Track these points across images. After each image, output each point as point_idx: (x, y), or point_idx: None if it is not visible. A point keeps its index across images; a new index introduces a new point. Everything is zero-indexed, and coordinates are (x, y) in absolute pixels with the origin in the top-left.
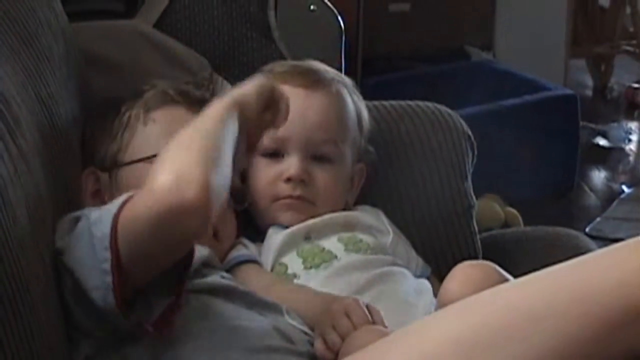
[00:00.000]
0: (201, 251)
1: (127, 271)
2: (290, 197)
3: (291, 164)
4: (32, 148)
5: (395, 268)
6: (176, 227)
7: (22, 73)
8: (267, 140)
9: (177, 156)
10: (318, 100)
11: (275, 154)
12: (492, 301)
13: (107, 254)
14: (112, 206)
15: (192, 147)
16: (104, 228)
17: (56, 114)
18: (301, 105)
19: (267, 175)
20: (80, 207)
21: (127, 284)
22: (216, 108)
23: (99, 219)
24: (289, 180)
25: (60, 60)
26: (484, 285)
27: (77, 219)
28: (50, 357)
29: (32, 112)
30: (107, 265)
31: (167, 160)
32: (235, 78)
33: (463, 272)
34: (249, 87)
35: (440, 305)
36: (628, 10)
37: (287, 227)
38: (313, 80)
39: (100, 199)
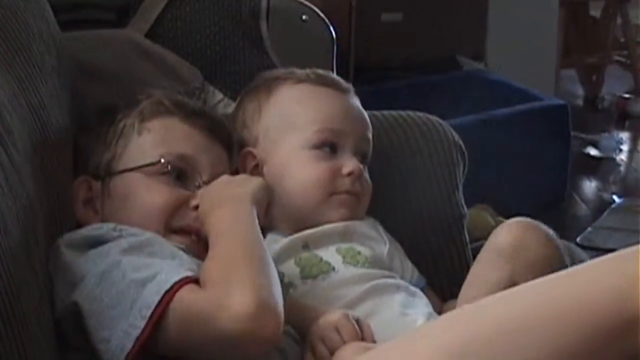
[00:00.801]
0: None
1: (148, 347)
2: (348, 192)
3: (348, 158)
4: (24, 157)
5: (391, 280)
6: (237, 351)
7: (14, 82)
8: (323, 133)
9: (250, 272)
10: (355, 102)
11: (325, 148)
12: (483, 311)
13: (141, 323)
14: (164, 272)
15: (256, 261)
16: (150, 297)
17: (48, 123)
18: (345, 105)
19: (322, 169)
20: (71, 217)
21: (140, 354)
22: (245, 211)
23: (147, 279)
24: (349, 174)
25: (52, 69)
26: (532, 235)
27: (98, 249)
28: None
29: (23, 121)
30: (134, 332)
31: (238, 271)
32: (227, 88)
33: (513, 223)
34: (257, 183)
35: (491, 248)
36: (619, 20)
37: (286, 235)
38: (344, 85)
39: (92, 207)
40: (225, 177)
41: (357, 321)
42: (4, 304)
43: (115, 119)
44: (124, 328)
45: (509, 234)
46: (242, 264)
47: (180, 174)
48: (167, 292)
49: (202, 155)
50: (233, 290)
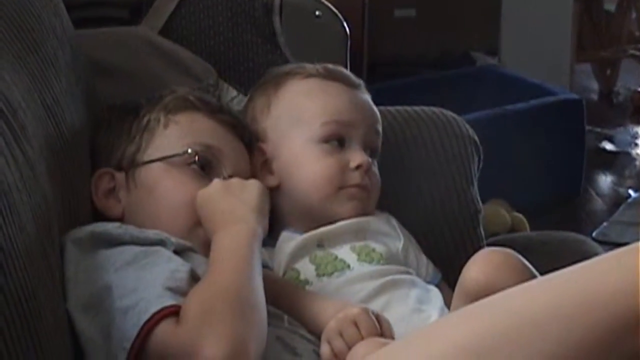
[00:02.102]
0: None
1: None
2: (357, 185)
3: (357, 152)
4: (38, 154)
5: (406, 276)
6: None
7: (28, 79)
8: (330, 125)
9: (228, 317)
10: (364, 97)
11: (333, 142)
12: (496, 306)
13: (122, 356)
14: (146, 299)
15: (240, 303)
16: (130, 329)
17: (62, 120)
18: (352, 98)
19: (331, 163)
20: (87, 214)
21: None
22: (247, 236)
23: (130, 307)
24: (358, 168)
25: (66, 66)
26: (504, 271)
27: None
28: None
29: (37, 118)
30: None
31: (216, 315)
32: (241, 84)
33: (485, 257)
34: (255, 191)
35: (461, 291)
36: (634, 14)
37: (300, 233)
38: (354, 80)
39: (114, 197)
40: (219, 183)
41: (377, 317)
42: (21, 301)
43: (138, 114)
44: (108, 354)
45: (481, 274)
46: (222, 305)
47: (205, 165)
48: (146, 323)
49: (227, 149)
50: (207, 335)
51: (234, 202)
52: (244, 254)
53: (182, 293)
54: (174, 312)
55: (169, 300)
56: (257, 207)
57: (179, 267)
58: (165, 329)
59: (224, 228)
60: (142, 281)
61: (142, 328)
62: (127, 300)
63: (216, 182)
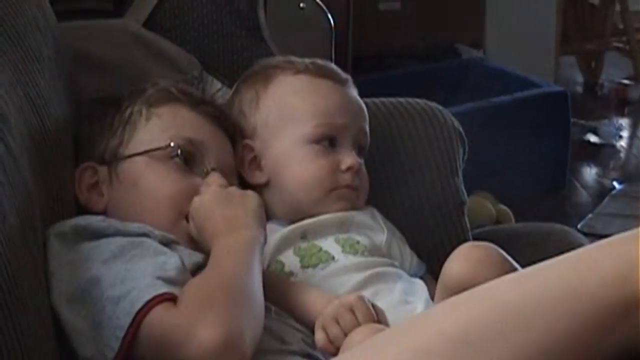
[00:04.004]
0: (195, 257)
1: None
2: (348, 187)
3: (348, 153)
4: (21, 146)
5: (391, 269)
6: None
7: (11, 72)
8: (322, 127)
9: (225, 304)
10: (353, 94)
11: (324, 143)
12: (482, 297)
13: (116, 345)
14: (138, 288)
15: (238, 294)
16: (123, 317)
17: (45, 113)
18: (344, 98)
19: (322, 165)
20: (70, 206)
21: None
22: (251, 241)
23: (122, 296)
24: (348, 169)
25: (49, 59)
26: (485, 266)
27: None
28: (39, 352)
29: (20, 110)
30: (110, 355)
31: (214, 301)
32: (225, 77)
33: (465, 252)
34: (254, 203)
35: (442, 286)
36: (617, 7)
37: (284, 225)
38: (342, 76)
39: (97, 191)
40: (219, 190)
41: (373, 305)
42: (2, 290)
43: (120, 107)
44: (100, 349)
45: (462, 269)
46: (220, 293)
47: (188, 158)
48: (139, 310)
49: (210, 141)
50: (203, 319)
51: (236, 209)
52: (245, 255)
53: (174, 282)
54: (167, 299)
55: (162, 288)
56: (258, 216)
57: (167, 260)
58: (159, 315)
59: (227, 233)
60: (131, 272)
61: (135, 316)
62: (118, 289)
63: (215, 188)
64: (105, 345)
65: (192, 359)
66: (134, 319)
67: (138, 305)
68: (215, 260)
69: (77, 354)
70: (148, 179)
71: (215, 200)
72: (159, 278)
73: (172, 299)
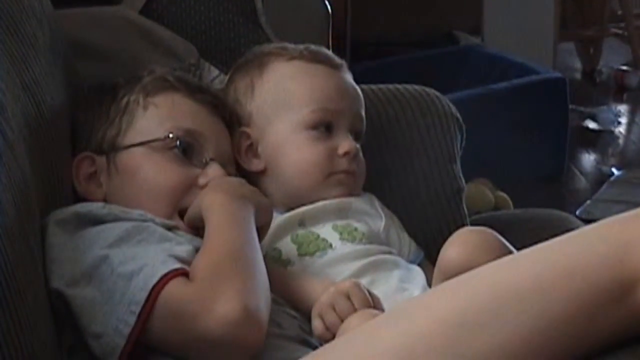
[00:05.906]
0: (196, 242)
1: (140, 341)
2: (345, 172)
3: (344, 138)
4: (18, 135)
5: (389, 256)
6: (218, 354)
7: (6, 60)
8: (319, 113)
9: (239, 275)
10: (348, 79)
11: (321, 129)
12: (478, 280)
13: (131, 320)
14: (151, 264)
15: (247, 263)
16: (138, 292)
17: (42, 101)
18: (339, 83)
19: (319, 150)
20: (69, 194)
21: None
22: (248, 212)
23: (134, 272)
24: (345, 154)
25: (45, 47)
26: (482, 250)
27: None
28: (37, 342)
29: (16, 99)
30: (125, 330)
31: (228, 272)
32: (223, 64)
33: (462, 237)
34: (265, 201)
35: (439, 271)
36: None
37: (281, 212)
38: (337, 61)
39: (95, 182)
40: (237, 179)
41: (368, 291)
42: (0, 281)
43: (116, 95)
44: (113, 325)
45: (459, 254)
46: (232, 265)
47: (187, 149)
48: (155, 286)
49: (208, 131)
50: (221, 292)
51: (232, 183)
52: (248, 224)
53: (185, 262)
54: (181, 274)
55: (175, 264)
56: (254, 190)
57: (177, 241)
58: (175, 289)
59: (227, 202)
60: (141, 251)
61: (151, 291)
62: (130, 266)
63: (234, 179)
64: (120, 320)
65: (212, 332)
66: (150, 293)
67: (154, 280)
68: (218, 228)
69: (84, 333)
70: (147, 170)
71: (232, 180)
72: (170, 256)
73: (185, 274)
